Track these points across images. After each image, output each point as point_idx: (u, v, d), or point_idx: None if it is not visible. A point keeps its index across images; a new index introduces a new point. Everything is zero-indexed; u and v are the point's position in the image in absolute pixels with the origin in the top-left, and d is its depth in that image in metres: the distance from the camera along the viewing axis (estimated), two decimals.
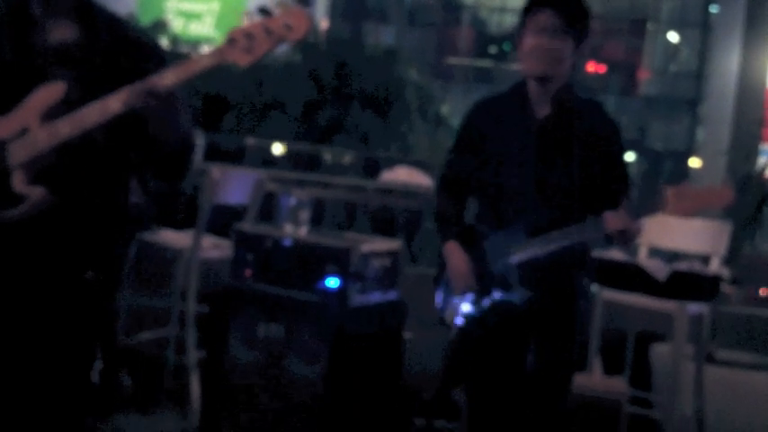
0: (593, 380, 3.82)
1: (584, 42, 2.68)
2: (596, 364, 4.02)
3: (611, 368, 4.12)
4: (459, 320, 2.75)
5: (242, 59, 2.02)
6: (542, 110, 2.69)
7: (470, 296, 2.73)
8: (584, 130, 2.65)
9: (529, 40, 2.64)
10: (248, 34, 2.01)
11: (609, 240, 2.60)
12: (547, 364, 2.71)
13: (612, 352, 4.39)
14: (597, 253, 3.78)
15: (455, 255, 2.77)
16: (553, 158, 2.65)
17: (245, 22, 2.01)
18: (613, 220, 2.46)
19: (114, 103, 2.05)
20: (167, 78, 2.04)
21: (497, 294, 2.68)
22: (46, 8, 2.20)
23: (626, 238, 2.53)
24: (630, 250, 4.09)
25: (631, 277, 3.91)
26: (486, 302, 2.70)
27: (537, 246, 2.61)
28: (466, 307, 2.74)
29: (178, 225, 4.48)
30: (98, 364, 2.29)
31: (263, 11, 2.02)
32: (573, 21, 2.61)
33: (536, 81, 2.67)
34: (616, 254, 3.98)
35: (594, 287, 3.95)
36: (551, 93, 2.66)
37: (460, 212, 2.87)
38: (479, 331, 2.73)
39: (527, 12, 2.66)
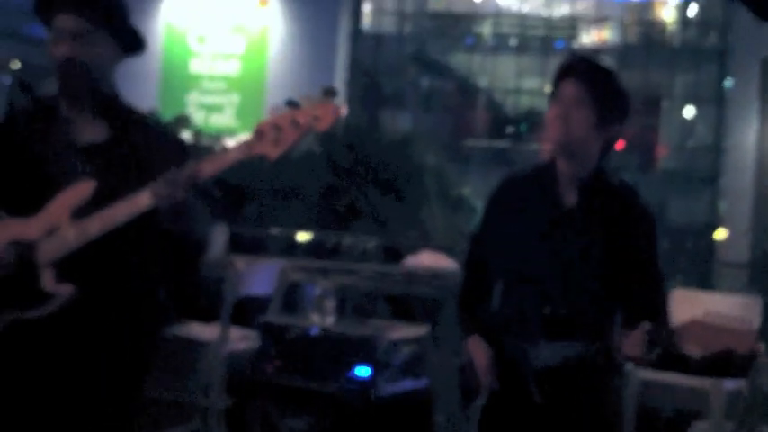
0: None
1: (614, 119, 2.52)
2: None
3: None
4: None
5: (271, 151, 2.05)
6: (570, 195, 2.55)
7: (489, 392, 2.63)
8: (613, 220, 2.51)
9: (549, 112, 2.54)
10: (276, 126, 2.04)
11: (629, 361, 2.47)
12: None
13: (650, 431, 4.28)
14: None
15: (477, 352, 2.64)
16: (578, 249, 2.51)
17: (271, 115, 2.04)
18: (630, 347, 2.31)
19: (144, 199, 2.07)
20: (205, 169, 2.06)
21: (517, 392, 2.58)
22: (76, 108, 2.24)
23: (641, 363, 2.44)
24: None
25: (665, 356, 3.83)
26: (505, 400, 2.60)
27: (555, 353, 2.49)
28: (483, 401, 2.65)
29: (203, 317, 4.46)
30: None
31: (291, 103, 2.04)
32: (595, 91, 2.48)
33: (564, 158, 2.53)
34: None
35: (628, 366, 3.86)
36: (580, 175, 2.52)
37: (484, 299, 2.71)
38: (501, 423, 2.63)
39: (553, 85, 2.56)
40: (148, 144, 2.24)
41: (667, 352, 2.33)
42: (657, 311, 2.43)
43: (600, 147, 2.53)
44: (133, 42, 2.34)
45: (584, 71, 2.53)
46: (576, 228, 2.52)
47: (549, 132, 2.53)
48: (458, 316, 2.81)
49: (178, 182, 2.04)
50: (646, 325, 2.30)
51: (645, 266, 2.52)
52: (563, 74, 2.54)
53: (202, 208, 2.23)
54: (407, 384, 3.57)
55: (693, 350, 2.27)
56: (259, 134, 2.04)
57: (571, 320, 2.49)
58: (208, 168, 2.07)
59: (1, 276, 2.14)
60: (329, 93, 2.06)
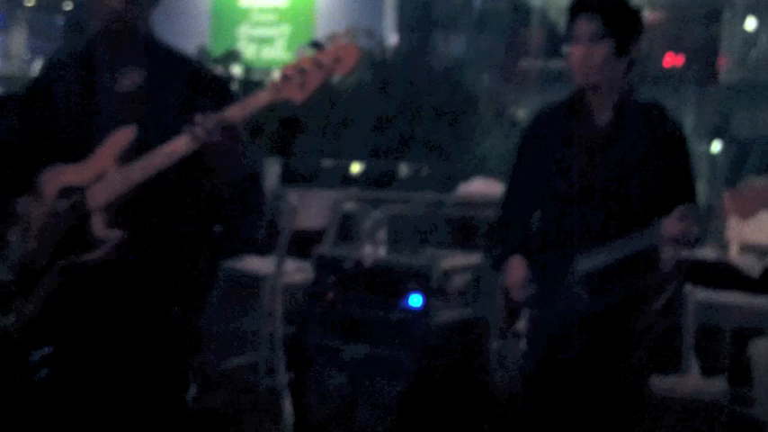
0: (690, 381, 3.72)
1: (633, 40, 2.58)
2: (692, 364, 3.91)
3: (708, 368, 3.99)
4: (527, 328, 2.69)
5: (296, 95, 2.05)
6: (602, 116, 2.62)
7: (532, 301, 2.68)
8: (646, 136, 2.58)
9: (570, 51, 2.60)
10: (301, 69, 2.03)
11: (671, 244, 2.51)
12: (612, 369, 2.63)
13: (709, 352, 4.26)
14: (687, 253, 3.67)
15: (512, 270, 2.72)
16: (614, 166, 2.58)
17: (297, 57, 2.03)
18: (670, 225, 2.41)
19: (183, 142, 2.09)
20: (233, 113, 2.07)
21: (561, 306, 2.62)
22: (114, 54, 2.25)
23: (684, 243, 2.45)
24: (721, 248, 3.97)
25: (724, 275, 3.79)
26: (549, 313, 2.64)
27: (600, 256, 2.55)
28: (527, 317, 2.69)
29: (259, 250, 4.53)
30: (192, 390, 2.34)
31: (315, 44, 2.04)
32: (610, 22, 2.54)
33: (593, 90, 2.61)
34: (707, 253, 3.87)
35: (687, 287, 3.84)
36: (610, 101, 2.60)
37: (522, 226, 2.79)
38: (547, 342, 2.67)
39: (568, 21, 2.62)
40: (189, 86, 2.24)
41: (705, 231, 2.45)
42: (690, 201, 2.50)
43: (624, 68, 2.59)
44: None
45: (593, 4, 2.56)
46: (611, 145, 2.59)
47: (576, 73, 2.59)
48: (494, 243, 2.86)
49: (209, 126, 2.05)
50: (681, 207, 2.41)
51: (679, 176, 2.58)
52: (575, 11, 2.59)
53: (247, 148, 2.24)
54: (462, 312, 3.60)
55: (735, 219, 2.38)
56: (285, 77, 2.04)
57: (611, 233, 2.54)
58: (237, 113, 2.08)
59: (54, 222, 2.20)
60: (352, 34, 2.04)
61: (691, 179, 2.63)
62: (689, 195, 2.56)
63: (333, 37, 2.04)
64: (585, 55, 2.54)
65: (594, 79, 2.56)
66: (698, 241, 2.52)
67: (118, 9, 2.17)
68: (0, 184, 2.30)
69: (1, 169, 2.34)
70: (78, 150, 2.19)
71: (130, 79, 2.25)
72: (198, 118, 2.06)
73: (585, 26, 2.55)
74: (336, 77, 2.07)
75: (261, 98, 2.09)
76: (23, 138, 2.34)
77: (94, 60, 2.28)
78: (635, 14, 2.61)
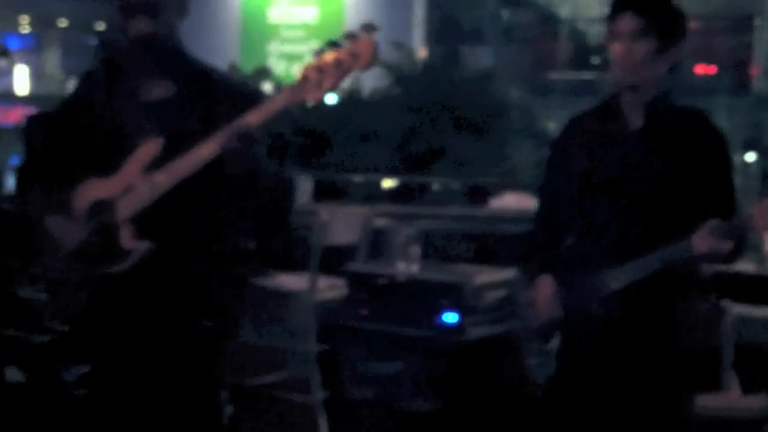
0: (730, 398, 3.65)
1: (675, 42, 2.51)
2: (732, 381, 3.84)
3: (749, 385, 3.92)
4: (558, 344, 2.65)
5: (315, 94, 2.05)
6: (636, 120, 2.55)
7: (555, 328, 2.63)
8: (681, 142, 2.50)
9: (611, 48, 2.54)
10: (319, 68, 2.04)
11: (703, 261, 2.44)
12: (650, 389, 2.56)
13: (749, 368, 4.18)
14: (724, 267, 3.61)
15: (540, 288, 2.65)
16: (646, 172, 2.50)
17: (313, 59, 2.04)
18: (700, 241, 2.34)
19: (207, 149, 2.10)
20: (252, 118, 2.08)
21: (592, 324, 2.56)
22: (142, 66, 2.27)
23: (718, 258, 2.38)
24: (759, 261, 3.90)
25: (763, 290, 3.73)
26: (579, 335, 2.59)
27: (629, 272, 2.48)
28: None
29: (291, 267, 4.53)
30: (228, 409, 2.33)
31: (333, 43, 2.04)
32: (654, 20, 2.48)
33: (627, 90, 2.54)
34: (745, 266, 3.81)
35: (724, 302, 3.78)
36: (644, 102, 2.53)
37: (554, 243, 2.71)
38: (581, 359, 2.62)
39: (610, 18, 2.55)
40: (216, 98, 2.26)
41: (739, 244, 2.36)
42: (727, 215, 2.40)
43: (662, 70, 2.52)
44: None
45: (636, 2, 2.51)
46: (642, 150, 2.52)
47: (617, 70, 2.53)
48: (524, 262, 2.80)
49: (242, 128, 2.06)
50: (713, 221, 2.33)
51: (714, 186, 2.50)
52: (617, 8, 2.53)
53: (266, 158, 2.25)
54: (496, 328, 3.57)
55: (765, 228, 2.29)
56: (304, 79, 2.05)
57: (642, 241, 2.47)
58: (254, 118, 2.09)
59: (84, 235, 2.22)
60: (368, 28, 2.04)
61: (730, 191, 2.54)
62: (726, 208, 2.46)
63: (350, 35, 2.04)
64: (627, 51, 2.48)
65: (635, 78, 2.50)
66: (734, 257, 2.44)
67: (145, 26, 2.19)
68: (35, 201, 2.33)
69: (36, 186, 2.36)
70: (109, 163, 2.21)
71: (159, 91, 2.27)
72: (229, 126, 2.08)
73: (628, 23, 2.49)
74: (351, 82, 2.06)
75: (278, 101, 2.10)
76: (57, 154, 2.36)
77: (123, 74, 2.30)
78: (679, 15, 2.55)
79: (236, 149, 2.08)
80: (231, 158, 2.11)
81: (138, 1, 2.20)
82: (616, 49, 2.51)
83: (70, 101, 2.38)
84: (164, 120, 2.23)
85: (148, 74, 2.27)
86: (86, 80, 2.40)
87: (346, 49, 2.02)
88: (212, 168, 2.13)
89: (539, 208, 2.84)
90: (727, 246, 2.34)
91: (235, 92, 2.31)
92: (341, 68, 2.03)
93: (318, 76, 2.03)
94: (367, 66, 2.04)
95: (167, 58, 2.29)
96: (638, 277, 2.48)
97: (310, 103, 2.08)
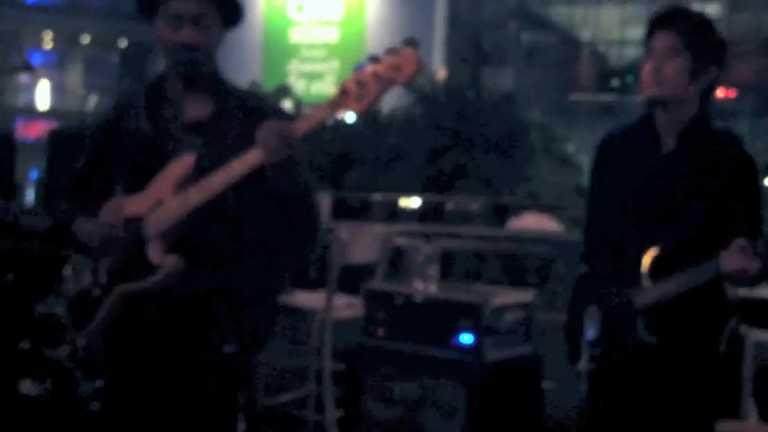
0: (749, 426, 3.59)
1: (710, 64, 2.49)
2: (751, 409, 3.78)
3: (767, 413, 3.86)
4: (589, 366, 2.61)
5: (356, 106, 2.05)
6: (669, 142, 2.54)
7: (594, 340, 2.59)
8: (711, 166, 2.48)
9: (642, 65, 2.54)
10: (359, 82, 2.04)
11: (730, 281, 2.41)
12: (685, 410, 2.54)
13: None
14: (744, 291, 3.57)
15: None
16: (677, 195, 2.49)
17: (354, 73, 2.04)
18: (728, 260, 2.31)
19: (240, 165, 2.10)
20: (297, 127, 2.09)
21: (625, 341, 2.54)
22: (184, 86, 2.29)
23: (745, 278, 2.34)
24: None
25: None
26: (615, 350, 2.56)
27: (659, 291, 2.46)
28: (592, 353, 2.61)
29: (310, 285, 4.52)
30: (242, 426, 2.32)
31: (372, 58, 2.04)
32: (689, 38, 2.45)
33: (661, 109, 2.52)
34: (765, 292, 3.75)
35: (744, 328, 3.72)
36: (680, 122, 2.51)
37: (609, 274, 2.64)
38: (611, 379, 2.59)
39: (647, 37, 2.53)
40: (250, 117, 2.26)
41: (766, 265, 2.31)
42: (755, 236, 2.38)
43: (699, 93, 2.50)
44: (235, 15, 2.36)
45: (674, 21, 2.49)
46: (674, 172, 2.51)
47: (643, 86, 2.53)
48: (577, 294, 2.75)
49: (272, 140, 2.06)
50: (740, 240, 2.31)
51: (742, 209, 2.48)
52: (654, 26, 2.52)
53: (308, 171, 2.25)
54: (514, 350, 3.54)
55: None
56: (343, 92, 2.05)
57: (672, 263, 2.44)
58: (300, 127, 2.09)
59: (112, 252, 2.22)
60: (410, 43, 2.04)
61: (757, 214, 2.52)
62: (754, 230, 2.45)
63: (390, 49, 2.04)
64: (655, 68, 2.46)
65: (658, 92, 2.47)
66: (761, 278, 2.42)
67: (190, 42, 2.21)
68: (66, 215, 2.34)
69: (69, 201, 2.38)
70: (146, 179, 2.22)
71: (199, 110, 2.28)
72: (261, 134, 2.08)
73: (661, 41, 2.48)
74: (391, 99, 2.06)
75: (319, 113, 2.10)
76: (92, 170, 2.38)
77: (164, 93, 2.31)
78: (717, 40, 2.52)
79: (280, 160, 2.08)
80: (274, 169, 2.10)
81: (188, 12, 2.21)
82: (646, 65, 2.51)
83: (109, 118, 2.40)
84: (201, 139, 2.25)
85: (191, 93, 2.28)
86: (126, 98, 2.42)
87: (387, 63, 2.03)
88: (251, 184, 2.13)
89: (586, 227, 2.77)
90: (756, 265, 2.31)
91: (271, 114, 2.32)
92: (381, 81, 2.03)
93: (359, 89, 2.03)
94: (410, 78, 2.04)
95: (209, 78, 2.31)
96: (668, 296, 2.45)
97: (357, 112, 2.08)
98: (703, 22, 2.53)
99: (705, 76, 2.49)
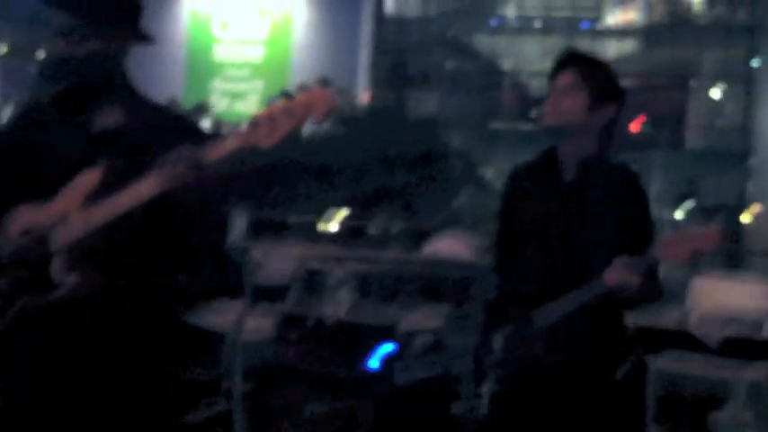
0: None
1: (604, 99, 2.67)
2: None
3: None
4: (493, 387, 2.68)
5: (265, 141, 2.08)
6: (569, 173, 2.71)
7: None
8: (608, 197, 2.65)
9: (545, 101, 2.73)
10: (270, 117, 2.07)
11: (613, 294, 2.54)
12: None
13: (670, 420, 4.25)
14: (647, 321, 3.69)
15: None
16: (575, 222, 2.65)
17: (267, 106, 2.07)
18: (611, 274, 2.49)
19: (146, 186, 2.09)
20: (208, 155, 2.11)
21: (525, 362, 2.63)
22: (93, 96, 2.27)
23: (628, 292, 2.50)
24: (682, 316, 3.99)
25: (683, 345, 3.82)
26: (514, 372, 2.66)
27: (554, 310, 2.59)
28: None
29: (232, 295, 4.48)
30: None
31: (285, 94, 2.08)
32: (585, 77, 2.67)
33: (562, 140, 2.69)
34: (666, 321, 3.90)
35: (647, 357, 3.85)
36: (580, 154, 2.68)
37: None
38: (512, 400, 2.67)
39: (551, 77, 2.74)
40: (162, 131, 2.26)
41: (649, 273, 2.51)
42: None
43: (599, 128, 2.68)
44: (143, 33, 2.35)
45: (573, 62, 2.73)
46: (571, 201, 2.67)
47: (544, 117, 2.73)
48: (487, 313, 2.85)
49: (180, 166, 2.07)
50: (622, 257, 2.49)
51: (632, 234, 2.63)
52: (558, 66, 2.73)
53: (218, 197, 2.26)
54: (425, 372, 3.58)
55: (671, 258, 2.52)
56: (255, 125, 2.08)
57: (567, 285, 2.58)
58: (211, 154, 2.11)
59: (14, 263, 2.18)
60: (323, 82, 2.09)
61: (646, 238, 2.66)
62: (641, 251, 2.58)
63: (303, 87, 2.09)
64: (556, 102, 2.67)
65: (556, 122, 2.67)
66: (649, 294, 2.58)
67: (97, 50, 2.20)
68: None
69: None
70: (52, 190, 2.19)
71: (108, 119, 2.27)
72: (168, 159, 2.08)
73: (563, 79, 2.69)
74: (309, 127, 2.10)
75: (229, 144, 2.12)
76: None
77: (72, 102, 2.29)
78: (612, 79, 2.74)
79: (186, 185, 2.09)
80: (180, 193, 2.11)
81: (90, 21, 2.20)
82: (549, 99, 2.71)
83: (12, 127, 2.36)
84: (110, 150, 2.22)
85: (99, 102, 2.27)
86: (31, 107, 2.39)
87: (299, 100, 2.08)
88: (157, 202, 2.13)
89: (495, 262, 2.90)
90: (636, 279, 2.47)
91: (186, 128, 2.32)
92: (293, 118, 2.07)
93: (270, 123, 2.07)
94: (321, 117, 2.10)
95: (118, 86, 2.29)
96: (562, 315, 2.58)
97: (264, 147, 2.10)
98: (601, 64, 2.77)
99: (603, 110, 2.68)
